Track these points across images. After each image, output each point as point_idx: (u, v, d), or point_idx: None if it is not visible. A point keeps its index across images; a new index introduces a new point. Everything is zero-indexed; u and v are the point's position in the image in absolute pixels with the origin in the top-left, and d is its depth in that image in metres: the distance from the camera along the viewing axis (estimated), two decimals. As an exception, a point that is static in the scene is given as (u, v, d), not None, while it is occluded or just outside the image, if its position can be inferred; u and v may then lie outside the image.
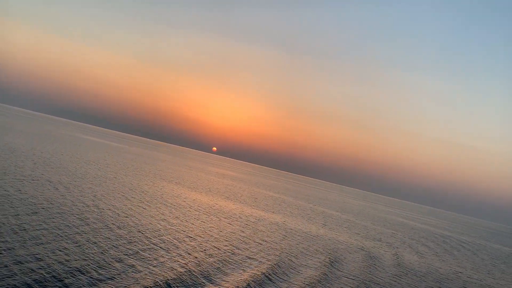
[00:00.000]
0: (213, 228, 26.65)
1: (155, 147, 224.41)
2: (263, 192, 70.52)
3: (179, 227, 24.40)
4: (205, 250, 20.33)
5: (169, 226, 24.01)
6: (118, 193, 31.87)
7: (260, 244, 25.16)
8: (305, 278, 19.37)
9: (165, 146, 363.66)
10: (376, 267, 26.28)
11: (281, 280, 18.28)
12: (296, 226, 37.30)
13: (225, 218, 32.25)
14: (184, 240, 21.37)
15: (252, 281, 16.88)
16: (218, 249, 21.28)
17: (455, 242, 60.08)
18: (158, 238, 20.58)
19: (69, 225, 18.95)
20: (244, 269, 18.53)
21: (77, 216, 21.10)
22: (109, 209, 24.82)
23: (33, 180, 28.69)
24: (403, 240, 45.29)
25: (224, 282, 15.81)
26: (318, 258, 24.94)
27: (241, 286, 15.78)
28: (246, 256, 21.08)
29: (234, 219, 32.90)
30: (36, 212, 19.76)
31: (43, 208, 20.93)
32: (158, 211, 28.26)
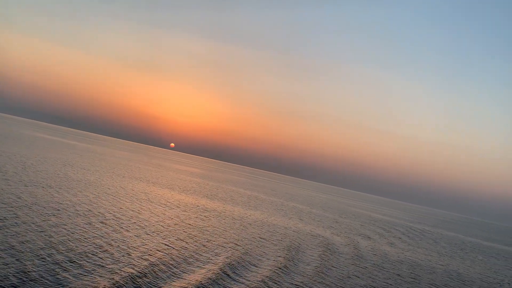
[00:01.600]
0: (197, 225, 28.57)
1: (114, 144, 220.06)
2: (235, 190, 72.61)
3: (171, 225, 26.15)
4: (188, 242, 22.32)
5: (163, 223, 25.72)
6: (113, 196, 32.97)
7: (239, 237, 27.38)
8: (273, 266, 21.24)
9: (123, 143, 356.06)
10: (340, 255, 29.27)
11: (247, 268, 19.58)
12: (274, 221, 39.73)
13: (213, 216, 34.16)
14: (170, 234, 23.23)
15: (222, 269, 18.11)
16: (193, 242, 23.32)
17: (417, 231, 65.03)
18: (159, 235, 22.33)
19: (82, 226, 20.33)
20: (217, 258, 20.02)
21: (96, 219, 22.40)
22: (119, 212, 26.13)
23: (36, 186, 29.42)
24: (371, 231, 48.99)
25: (190, 273, 16.81)
26: (286, 248, 27.51)
27: (209, 275, 16.84)
28: (221, 247, 23.11)
29: (218, 216, 34.87)
30: (55, 215, 20.95)
31: (58, 210, 22.10)
32: (155, 211, 29.80)
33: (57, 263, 14.39)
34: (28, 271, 13.08)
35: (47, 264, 14.12)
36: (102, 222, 22.42)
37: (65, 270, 13.94)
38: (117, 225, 22.56)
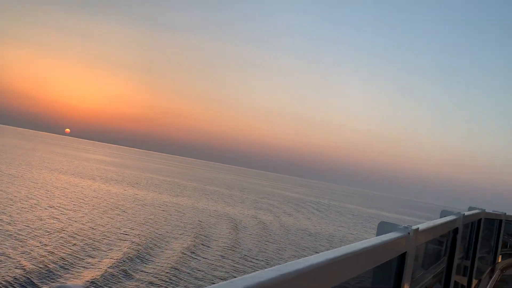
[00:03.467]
0: (122, 212, 30.42)
1: (1, 132, 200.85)
2: (155, 177, 73.30)
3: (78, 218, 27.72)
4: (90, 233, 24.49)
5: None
6: (45, 189, 32.92)
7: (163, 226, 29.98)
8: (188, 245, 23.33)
9: (10, 130, 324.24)
10: (269, 231, 33.55)
11: (157, 251, 19.93)
12: (199, 205, 42.52)
13: (142, 204, 35.83)
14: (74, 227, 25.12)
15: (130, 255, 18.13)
16: (115, 229, 25.57)
17: (326, 206, 72.49)
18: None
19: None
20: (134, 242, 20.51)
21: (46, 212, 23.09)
22: (59, 205, 26.75)
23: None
24: (282, 209, 54.20)
25: (92, 263, 16.51)
26: (225, 228, 30.92)
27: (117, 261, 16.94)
28: (147, 233, 24.59)
29: (147, 204, 36.63)
30: None
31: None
32: (88, 202, 30.73)
33: None
34: None
35: None
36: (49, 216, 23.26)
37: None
38: (60, 217, 23.57)
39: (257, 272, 0.79)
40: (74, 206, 27.74)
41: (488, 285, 3.22)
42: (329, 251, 1.07)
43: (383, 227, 1.59)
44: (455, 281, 3.45)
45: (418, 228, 1.73)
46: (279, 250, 25.27)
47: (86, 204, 29.54)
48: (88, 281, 14.24)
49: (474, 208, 3.92)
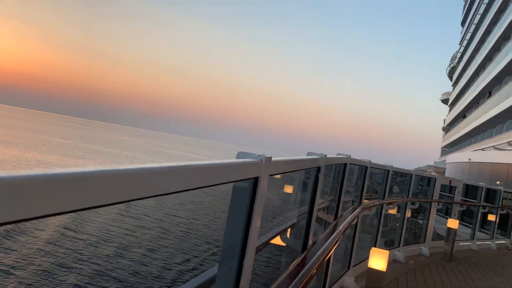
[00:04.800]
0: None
1: None
2: (47, 138, 69.36)
3: None
4: None
5: None
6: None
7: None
8: None
9: None
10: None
11: None
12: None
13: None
14: None
15: None
16: None
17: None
18: None
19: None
20: None
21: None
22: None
23: None
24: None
25: None
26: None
27: None
28: None
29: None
30: None
31: None
32: None
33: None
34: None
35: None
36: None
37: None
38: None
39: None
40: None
41: (347, 220, 3.51)
42: (176, 162, 1.04)
43: (241, 156, 1.64)
44: (320, 217, 3.51)
45: (272, 157, 1.75)
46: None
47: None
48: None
49: (342, 154, 4.12)
